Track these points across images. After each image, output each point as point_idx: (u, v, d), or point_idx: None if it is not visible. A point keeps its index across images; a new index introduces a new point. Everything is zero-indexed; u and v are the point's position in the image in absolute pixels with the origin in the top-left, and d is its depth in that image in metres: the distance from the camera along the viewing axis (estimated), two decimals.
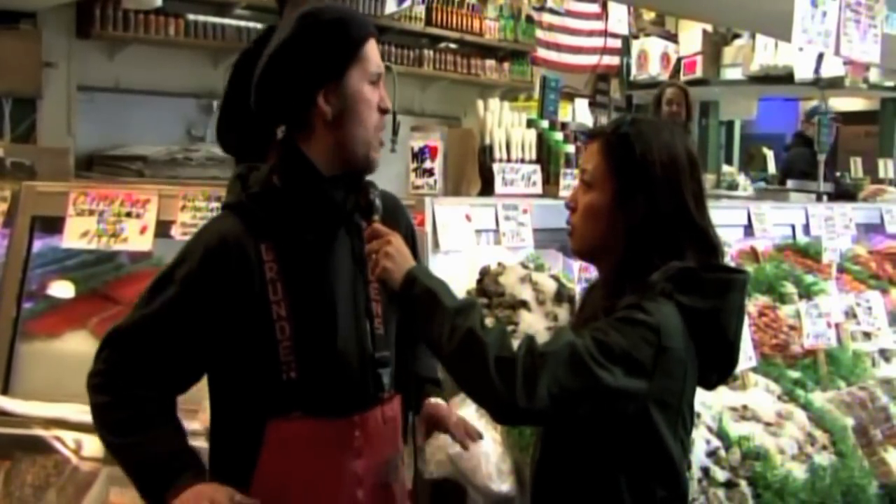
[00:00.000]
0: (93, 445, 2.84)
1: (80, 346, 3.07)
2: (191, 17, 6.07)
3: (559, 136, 3.59)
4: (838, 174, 7.02)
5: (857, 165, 7.62)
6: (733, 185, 8.36)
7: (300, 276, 1.74)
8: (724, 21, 7.88)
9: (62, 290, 3.33)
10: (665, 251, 1.70)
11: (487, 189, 3.21)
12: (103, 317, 3.12)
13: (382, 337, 1.82)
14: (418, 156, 3.12)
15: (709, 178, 8.35)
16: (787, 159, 7.75)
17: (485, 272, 2.88)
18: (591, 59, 8.82)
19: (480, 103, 3.44)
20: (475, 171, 3.28)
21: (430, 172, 3.11)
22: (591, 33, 8.71)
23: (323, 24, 1.74)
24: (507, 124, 3.30)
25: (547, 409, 1.56)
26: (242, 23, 6.35)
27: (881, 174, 7.70)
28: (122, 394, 1.77)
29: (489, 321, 2.07)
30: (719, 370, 1.80)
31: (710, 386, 1.83)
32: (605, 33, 8.62)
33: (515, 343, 1.64)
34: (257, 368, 1.74)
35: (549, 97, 4.09)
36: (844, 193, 6.04)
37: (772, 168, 10.19)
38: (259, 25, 6.17)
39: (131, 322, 1.79)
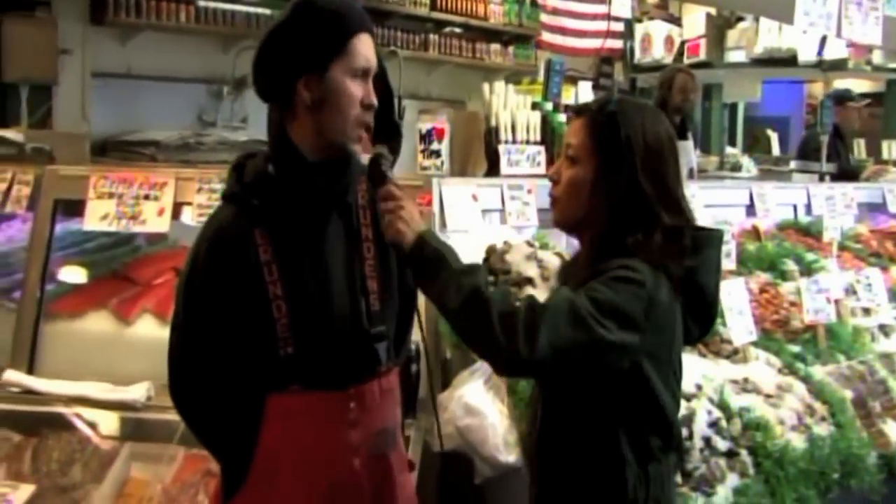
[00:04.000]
0: (114, 422, 2.94)
1: (101, 325, 3.17)
2: (201, 3, 6.11)
3: (562, 117, 3.66)
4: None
5: (860, 147, 7.66)
6: (737, 167, 8.38)
7: (294, 258, 1.82)
8: (727, 4, 7.89)
9: (83, 271, 3.40)
10: (645, 225, 1.76)
11: (493, 170, 3.29)
12: (123, 297, 3.22)
13: (378, 312, 1.89)
14: (425, 138, 3.20)
15: (712, 160, 8.38)
16: (802, 141, 7.76)
17: (491, 250, 2.95)
18: (595, 43, 8.82)
19: (486, 86, 3.51)
20: (481, 153, 3.35)
21: (437, 154, 3.19)
22: (595, 17, 8.72)
23: (315, 14, 1.80)
24: (512, 107, 3.37)
25: (547, 359, 1.63)
26: (252, 9, 6.37)
27: (885, 155, 7.73)
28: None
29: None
30: (700, 326, 1.87)
31: (691, 341, 1.91)
32: (608, 17, 8.62)
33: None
34: (257, 345, 1.82)
35: (554, 80, 4.16)
36: (847, 174, 6.09)
37: (776, 150, 10.18)
38: (268, 11, 6.21)
39: (173, 340, 1.90)
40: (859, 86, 10.93)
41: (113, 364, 3.01)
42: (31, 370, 3.10)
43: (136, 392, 2.88)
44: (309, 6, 1.80)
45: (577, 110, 1.95)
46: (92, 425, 2.96)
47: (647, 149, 1.79)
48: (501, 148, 3.29)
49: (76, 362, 3.08)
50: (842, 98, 6.82)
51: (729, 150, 9.56)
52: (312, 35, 1.79)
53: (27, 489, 2.74)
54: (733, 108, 11.12)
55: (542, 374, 1.82)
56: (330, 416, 1.86)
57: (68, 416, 2.95)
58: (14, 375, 3.05)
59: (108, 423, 2.95)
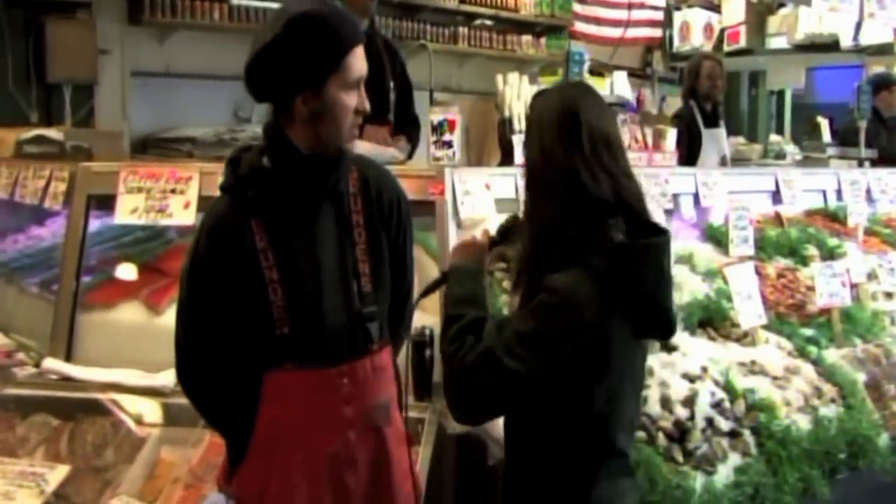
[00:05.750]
0: (145, 408, 3.06)
1: (133, 315, 3.30)
2: (234, 1, 6.18)
3: None
4: None
5: None
6: (781, 155, 8.29)
7: (288, 244, 1.93)
8: None
9: (117, 264, 3.52)
10: (552, 198, 1.79)
11: (507, 159, 3.34)
12: (153, 288, 3.34)
13: (369, 294, 1.99)
14: (437, 129, 3.26)
15: (755, 148, 8.29)
16: (843, 129, 7.66)
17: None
18: (631, 32, 8.77)
19: (500, 77, 3.57)
20: (495, 143, 3.41)
21: (449, 144, 3.25)
22: (630, 5, 8.67)
23: (311, 31, 1.85)
24: (525, 97, 3.42)
25: (476, 415, 1.86)
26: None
27: None
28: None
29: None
30: (658, 331, 1.88)
31: (651, 337, 1.95)
32: (643, 5, 8.57)
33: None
34: (255, 326, 1.93)
35: (574, 70, 4.20)
36: (887, 159, 5.99)
37: (826, 137, 9.99)
38: None
39: (179, 325, 2.02)
40: None
41: (144, 352, 3.11)
42: (68, 358, 3.24)
43: (165, 378, 2.99)
44: (304, 22, 1.86)
45: None
46: (124, 410, 3.07)
47: (540, 124, 1.84)
48: (515, 138, 3.35)
49: (110, 350, 3.21)
50: (881, 82, 6.70)
51: (773, 137, 9.44)
52: (309, 54, 1.85)
53: (63, 469, 2.87)
54: (780, 95, 10.97)
55: (486, 421, 1.97)
56: (324, 391, 1.96)
57: (102, 401, 3.08)
58: (53, 363, 3.20)
59: (139, 408, 3.07)
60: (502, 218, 2.17)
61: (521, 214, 1.98)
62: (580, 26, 8.33)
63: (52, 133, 4.42)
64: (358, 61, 1.91)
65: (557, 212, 1.79)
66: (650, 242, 1.79)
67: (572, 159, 1.78)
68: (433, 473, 2.58)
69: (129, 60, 5.94)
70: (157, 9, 5.84)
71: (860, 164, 5.45)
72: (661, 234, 1.82)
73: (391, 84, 4.11)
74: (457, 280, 1.94)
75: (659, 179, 3.66)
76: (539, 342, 1.74)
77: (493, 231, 2.09)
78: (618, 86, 7.59)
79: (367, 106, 1.95)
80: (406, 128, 4.09)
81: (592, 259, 1.75)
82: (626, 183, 1.81)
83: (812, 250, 3.79)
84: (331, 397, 1.97)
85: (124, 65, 5.91)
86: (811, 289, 3.53)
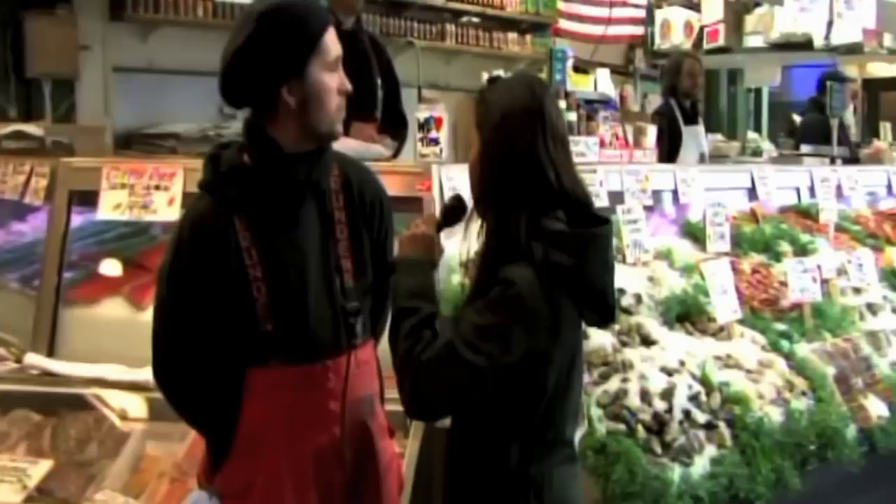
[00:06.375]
0: (129, 403, 3.07)
1: (116, 311, 3.31)
2: None
3: (562, 104, 3.74)
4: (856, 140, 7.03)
5: (886, 130, 7.64)
6: (758, 152, 8.38)
7: (272, 242, 1.95)
8: None
9: (100, 260, 3.53)
10: (513, 190, 1.84)
11: None
12: (136, 284, 3.36)
13: (352, 289, 2.02)
14: (424, 126, 3.29)
15: (734, 146, 8.38)
16: (800, 126, 7.79)
17: None
18: (615, 30, 8.84)
19: (485, 75, 3.61)
20: None
21: (436, 141, 3.28)
22: (612, 3, 8.74)
23: (283, 22, 1.88)
24: None
25: (434, 410, 1.84)
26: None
27: None
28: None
29: None
30: (599, 315, 1.93)
31: (593, 324, 2.03)
32: (625, 3, 8.64)
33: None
34: (239, 323, 1.94)
35: (557, 67, 4.25)
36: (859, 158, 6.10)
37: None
38: None
39: (157, 324, 2.01)
40: (893, 70, 10.84)
41: (127, 347, 3.08)
42: (50, 353, 3.25)
43: (149, 373, 2.94)
44: (275, 14, 1.88)
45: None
46: (107, 405, 3.08)
47: (502, 117, 1.85)
48: None
49: (93, 346, 3.22)
50: (832, 79, 6.82)
51: (750, 135, 9.55)
52: (288, 40, 1.88)
53: (45, 464, 2.88)
54: (758, 92, 11.09)
55: (442, 417, 1.96)
56: (309, 387, 1.98)
57: (85, 396, 3.08)
58: (34, 359, 3.21)
59: (123, 403, 3.08)
60: None
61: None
62: (564, 24, 8.40)
63: (32, 128, 4.42)
64: (333, 40, 1.94)
65: (521, 203, 1.83)
66: (597, 231, 1.86)
67: (537, 153, 1.84)
68: (421, 466, 2.61)
69: (110, 56, 5.94)
70: (139, 5, 5.87)
71: (832, 162, 5.53)
72: (606, 224, 1.89)
73: (378, 81, 4.14)
74: (407, 272, 1.93)
75: (639, 176, 3.71)
76: (498, 335, 1.77)
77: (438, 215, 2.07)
78: (601, 83, 7.65)
79: (349, 86, 1.97)
80: (393, 125, 4.12)
81: (542, 249, 1.80)
82: (578, 177, 1.90)
83: (785, 246, 3.87)
84: (316, 393, 1.98)
85: (106, 60, 5.92)
86: (784, 284, 3.60)
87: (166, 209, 3.24)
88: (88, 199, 3.38)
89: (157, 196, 3.27)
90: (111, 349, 3.17)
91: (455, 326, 1.81)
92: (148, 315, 3.15)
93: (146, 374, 2.97)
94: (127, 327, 3.23)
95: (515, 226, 1.82)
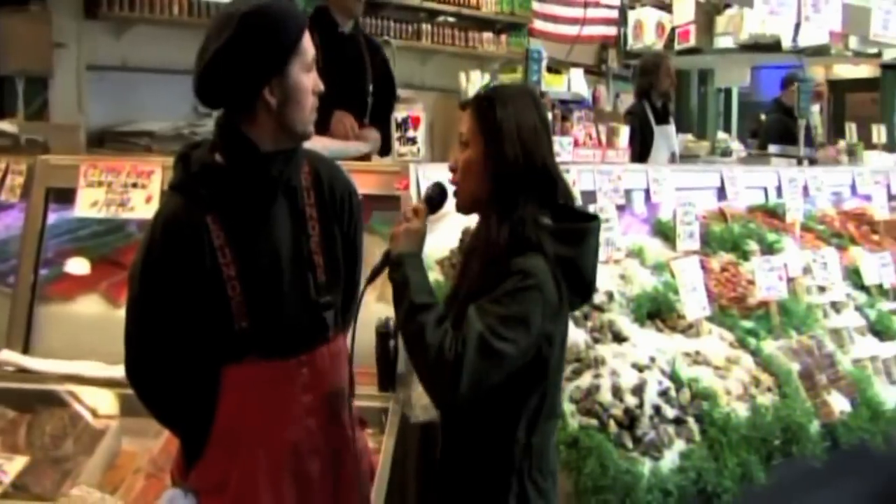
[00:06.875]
0: (105, 399, 3.09)
1: (92, 308, 3.32)
2: None
3: None
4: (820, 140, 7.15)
5: (852, 131, 7.77)
6: (727, 152, 8.50)
7: (245, 240, 1.98)
8: None
9: (76, 257, 3.53)
10: (526, 191, 2.01)
11: None
12: (112, 281, 3.36)
13: (324, 284, 2.06)
14: (402, 125, 3.33)
15: (703, 145, 8.49)
16: (764, 126, 7.91)
17: (466, 231, 3.09)
18: (589, 30, 8.91)
19: (463, 76, 3.67)
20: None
21: (413, 141, 3.32)
22: (586, 4, 8.81)
23: (265, 23, 1.92)
24: None
25: (469, 395, 1.88)
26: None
27: (874, 139, 7.85)
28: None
29: None
30: (580, 297, 2.12)
31: (572, 308, 2.16)
32: (598, 4, 8.71)
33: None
34: (213, 322, 1.97)
35: (533, 68, 4.31)
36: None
37: None
38: None
39: (130, 324, 2.03)
40: (858, 71, 11.04)
41: (104, 344, 3.02)
42: (25, 350, 3.25)
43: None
44: (257, 16, 1.92)
45: (465, 103, 2.16)
46: (83, 402, 3.10)
47: (519, 129, 2.02)
48: None
49: (69, 343, 3.22)
50: (791, 79, 6.95)
51: (720, 135, 9.67)
52: (270, 42, 1.92)
53: (21, 460, 2.89)
54: (728, 92, 11.23)
55: (469, 405, 2.00)
56: (284, 381, 2.02)
57: (61, 393, 3.10)
58: (9, 355, 3.20)
59: (99, 399, 3.10)
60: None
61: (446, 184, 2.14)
62: (539, 24, 8.45)
63: (7, 126, 4.39)
64: (309, 43, 2.00)
65: (533, 203, 2.01)
66: (592, 226, 2.07)
67: (547, 163, 2.05)
68: (396, 463, 2.65)
69: (84, 54, 5.89)
70: (114, 3, 5.80)
71: (799, 163, 5.63)
72: (595, 220, 2.10)
73: (370, 88, 4.19)
74: (413, 266, 1.99)
75: (612, 176, 3.77)
76: (522, 322, 1.91)
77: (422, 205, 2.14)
78: (575, 83, 7.71)
79: (322, 86, 2.02)
80: (383, 123, 4.16)
81: (546, 242, 1.97)
82: (566, 179, 2.11)
83: (753, 245, 3.95)
84: (291, 387, 2.02)
85: (80, 58, 5.86)
86: (752, 282, 3.68)
87: (144, 206, 3.25)
88: (64, 196, 3.39)
89: (135, 194, 3.28)
90: (86, 346, 3.17)
91: (478, 318, 1.90)
92: (123, 312, 3.20)
93: (121, 370, 2.99)
94: (102, 324, 3.23)
95: (523, 223, 1.98)
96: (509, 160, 2.01)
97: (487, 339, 1.87)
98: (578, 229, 2.05)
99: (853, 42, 7.98)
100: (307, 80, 1.98)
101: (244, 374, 1.99)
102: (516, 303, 1.92)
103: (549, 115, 4.05)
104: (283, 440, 2.02)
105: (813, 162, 5.94)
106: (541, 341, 1.96)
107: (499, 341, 1.88)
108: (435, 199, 2.12)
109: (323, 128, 3.42)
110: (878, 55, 8.95)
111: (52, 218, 3.51)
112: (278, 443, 2.02)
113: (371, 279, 2.09)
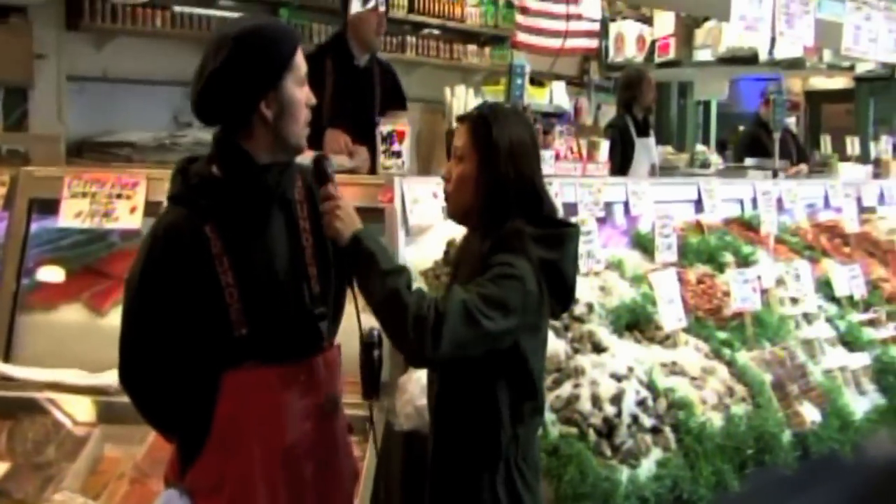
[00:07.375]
0: (88, 407, 3.09)
1: (75, 316, 3.33)
2: (177, 8, 6.19)
3: None
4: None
5: (826, 143, 7.88)
6: (705, 164, 8.58)
7: (242, 249, 2.04)
8: (661, 4, 8.12)
9: (58, 267, 3.54)
10: (515, 206, 2.15)
11: None
12: (95, 290, 3.37)
13: (318, 295, 2.13)
14: (387, 139, 3.38)
15: (682, 157, 8.58)
16: (740, 138, 8.01)
17: (451, 244, 3.14)
18: (571, 43, 8.98)
19: (448, 90, 3.71)
20: (443, 152, 3.53)
21: (398, 154, 3.37)
22: (568, 17, 8.87)
23: (260, 41, 2.00)
24: (472, 108, 3.55)
25: (447, 355, 1.98)
26: (227, 13, 6.46)
27: (848, 151, 7.96)
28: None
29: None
30: (561, 304, 2.25)
31: (555, 315, 2.30)
32: (581, 17, 8.77)
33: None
34: (212, 329, 2.03)
35: (516, 82, 4.36)
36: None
37: None
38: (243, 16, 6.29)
39: (127, 331, 2.07)
40: (834, 83, 11.19)
41: (87, 353, 3.14)
42: (7, 359, 3.25)
43: (109, 378, 2.97)
44: (253, 34, 2.01)
45: (461, 118, 2.27)
46: (66, 409, 3.11)
47: (512, 147, 2.14)
48: None
49: (52, 352, 3.23)
50: (766, 94, 7.06)
51: (699, 147, 9.75)
52: (265, 58, 2.00)
53: (2, 466, 2.91)
54: (707, 105, 11.35)
55: (445, 366, 2.14)
56: (283, 387, 2.07)
57: (43, 400, 3.11)
58: None
59: (82, 407, 3.11)
60: (449, 224, 2.39)
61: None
62: (522, 37, 8.47)
63: None
64: (301, 59, 2.08)
65: (521, 218, 2.14)
66: (571, 231, 2.22)
67: (535, 179, 2.20)
68: (380, 470, 2.69)
69: (65, 65, 5.88)
70: (96, 15, 5.79)
71: (774, 175, 5.71)
72: (573, 226, 2.26)
73: (378, 120, 4.25)
74: (372, 240, 2.07)
75: (592, 189, 3.83)
76: (501, 305, 2.01)
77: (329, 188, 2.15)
78: (556, 95, 7.77)
79: (314, 100, 2.10)
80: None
81: (529, 247, 2.11)
82: (551, 195, 2.28)
83: (729, 257, 4.02)
84: (289, 392, 2.08)
85: (60, 69, 5.84)
86: (727, 294, 3.74)
87: (129, 217, 3.28)
88: (47, 207, 3.41)
89: (120, 204, 3.30)
90: (69, 355, 3.19)
91: (462, 291, 2.02)
92: (106, 321, 3.26)
93: (104, 378, 3.01)
94: (84, 333, 3.26)
95: (513, 231, 2.11)
96: (502, 176, 2.13)
97: (470, 308, 1.97)
98: (559, 234, 2.17)
99: (827, 55, 8.11)
100: (300, 94, 2.06)
101: (243, 379, 2.04)
102: (497, 287, 2.03)
103: None
104: (280, 443, 2.08)
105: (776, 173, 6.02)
106: (523, 332, 2.07)
107: (479, 314, 1.98)
108: (327, 170, 2.13)
109: (317, 146, 3.47)
110: (852, 68, 9.11)
111: (35, 227, 3.52)
112: (275, 445, 2.07)
113: (353, 274, 2.13)
